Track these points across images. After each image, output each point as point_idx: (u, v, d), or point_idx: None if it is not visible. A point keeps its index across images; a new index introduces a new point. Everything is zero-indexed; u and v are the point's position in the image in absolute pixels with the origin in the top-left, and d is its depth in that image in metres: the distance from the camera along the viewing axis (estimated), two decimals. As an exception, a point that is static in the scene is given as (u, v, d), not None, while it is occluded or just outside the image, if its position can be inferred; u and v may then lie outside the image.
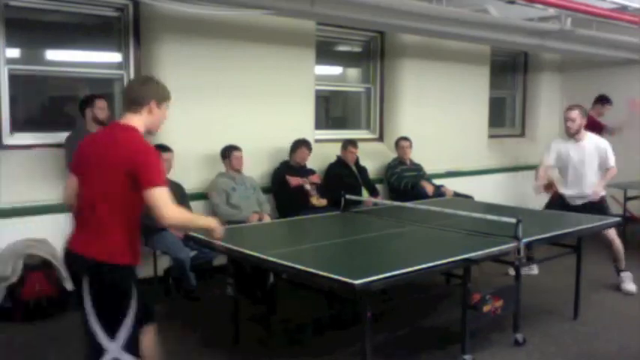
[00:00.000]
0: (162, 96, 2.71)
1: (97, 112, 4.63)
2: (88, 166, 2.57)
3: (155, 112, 2.66)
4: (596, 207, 5.09)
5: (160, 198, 2.48)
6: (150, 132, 2.73)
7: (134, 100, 2.62)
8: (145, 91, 2.65)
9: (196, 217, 2.90)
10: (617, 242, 5.14)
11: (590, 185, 5.15)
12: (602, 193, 5.24)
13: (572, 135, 5.15)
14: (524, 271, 5.23)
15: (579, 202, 5.22)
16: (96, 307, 2.50)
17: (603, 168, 5.15)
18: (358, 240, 3.95)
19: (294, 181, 5.69)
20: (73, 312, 4.53)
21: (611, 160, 5.13)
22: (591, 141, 5.19)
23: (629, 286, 5.14)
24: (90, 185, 2.55)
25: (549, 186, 5.45)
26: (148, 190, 2.44)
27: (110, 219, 2.52)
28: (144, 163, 2.47)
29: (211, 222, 2.82)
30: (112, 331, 2.49)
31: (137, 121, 2.61)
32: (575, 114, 5.08)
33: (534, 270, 5.61)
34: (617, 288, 5.18)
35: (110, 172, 2.49)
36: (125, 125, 2.60)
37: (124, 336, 2.50)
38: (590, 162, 5.14)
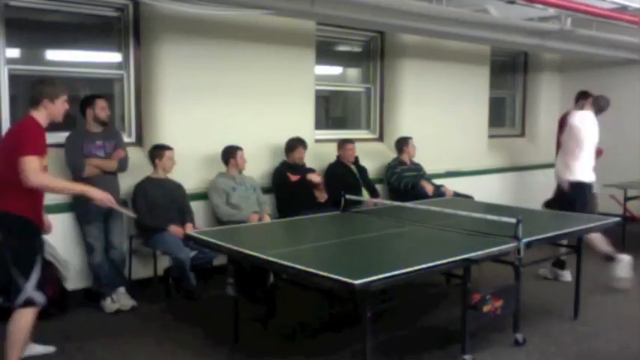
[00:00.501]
0: (53, 94, 3.40)
1: (98, 112, 4.63)
2: None
3: (50, 107, 3.39)
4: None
5: (28, 164, 3.15)
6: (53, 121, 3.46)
7: (31, 100, 3.39)
8: (37, 92, 3.39)
9: (67, 183, 3.69)
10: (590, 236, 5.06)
11: None
12: (570, 178, 5.24)
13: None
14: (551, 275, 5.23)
15: None
16: (13, 252, 3.29)
17: None
18: (358, 240, 3.95)
19: (294, 177, 5.69)
20: (73, 312, 4.54)
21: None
22: None
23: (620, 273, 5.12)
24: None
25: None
26: (20, 158, 3.14)
27: (12, 184, 3.22)
28: (23, 135, 3.25)
29: (87, 188, 3.45)
30: (26, 274, 3.26)
31: (36, 114, 3.37)
32: None
33: (567, 277, 5.33)
34: (609, 282, 5.12)
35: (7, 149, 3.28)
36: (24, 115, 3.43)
37: (35, 278, 3.29)
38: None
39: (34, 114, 3.39)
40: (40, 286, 3.31)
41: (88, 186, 3.49)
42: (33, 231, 3.39)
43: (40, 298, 3.31)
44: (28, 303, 3.27)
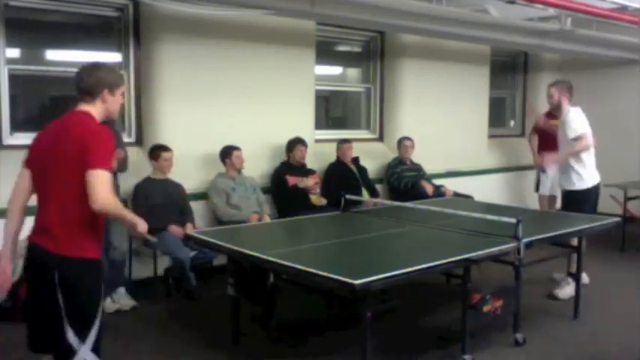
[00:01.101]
0: (113, 83, 2.60)
1: None
2: (43, 160, 2.51)
3: (109, 99, 2.59)
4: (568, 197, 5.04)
5: (100, 180, 2.36)
6: (108, 118, 2.67)
7: (86, 91, 2.56)
8: (95, 80, 2.56)
9: (125, 211, 2.61)
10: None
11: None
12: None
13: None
14: (567, 292, 5.07)
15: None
16: (67, 307, 2.43)
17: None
18: (358, 240, 3.95)
19: (291, 180, 5.69)
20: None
21: (571, 132, 4.87)
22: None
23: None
24: (47, 178, 2.49)
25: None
26: (90, 171, 2.34)
27: (74, 212, 2.44)
28: (91, 144, 2.40)
29: (136, 219, 2.59)
30: (83, 333, 2.46)
31: (91, 109, 2.57)
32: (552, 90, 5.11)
33: (584, 279, 5.00)
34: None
35: (65, 161, 2.42)
36: (78, 111, 2.55)
37: (93, 337, 2.49)
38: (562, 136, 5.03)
39: (90, 110, 2.55)
40: (97, 347, 2.51)
41: (137, 217, 2.63)
42: (101, 276, 2.57)
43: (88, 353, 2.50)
44: None
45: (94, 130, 2.47)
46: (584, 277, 5.11)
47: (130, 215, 2.60)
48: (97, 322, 2.49)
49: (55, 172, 2.45)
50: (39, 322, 2.54)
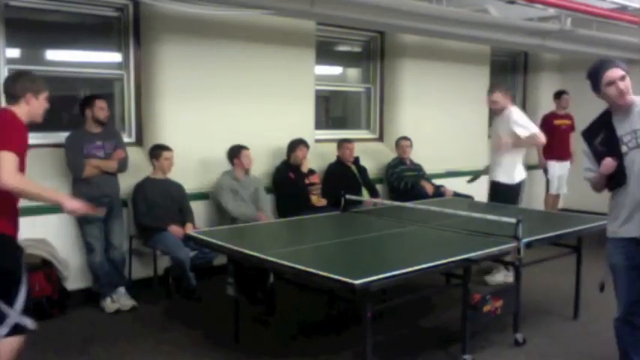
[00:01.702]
0: (37, 89, 2.97)
1: (97, 112, 4.63)
2: None
3: (32, 103, 2.95)
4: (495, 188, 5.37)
5: (4, 162, 2.64)
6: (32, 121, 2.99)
7: (10, 94, 2.94)
8: (20, 86, 2.94)
9: (43, 189, 2.92)
10: None
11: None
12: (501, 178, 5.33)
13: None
14: (499, 277, 5.24)
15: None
16: None
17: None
18: (358, 240, 3.95)
19: (293, 176, 5.69)
20: (73, 312, 4.54)
21: (518, 130, 5.19)
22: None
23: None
24: None
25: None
26: None
27: None
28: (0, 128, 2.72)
29: (61, 197, 2.97)
30: (9, 299, 2.74)
31: (16, 109, 2.90)
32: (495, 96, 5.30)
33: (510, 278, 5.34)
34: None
35: None
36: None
37: (22, 300, 2.77)
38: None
39: (13, 109, 2.92)
40: (28, 310, 2.82)
41: (63, 194, 3.03)
42: (14, 249, 2.85)
43: (30, 323, 2.81)
44: (16, 330, 2.79)
45: (4, 119, 2.82)
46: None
47: (52, 194, 2.98)
48: (22, 287, 2.78)
49: None
50: None
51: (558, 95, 7.64)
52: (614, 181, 3.02)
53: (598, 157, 3.04)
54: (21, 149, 2.77)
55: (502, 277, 5.16)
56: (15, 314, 2.75)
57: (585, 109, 5.15)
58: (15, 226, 2.86)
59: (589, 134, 3.13)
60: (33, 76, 3.07)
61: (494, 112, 5.46)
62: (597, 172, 3.05)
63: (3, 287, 2.74)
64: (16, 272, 2.79)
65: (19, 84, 2.94)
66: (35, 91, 2.95)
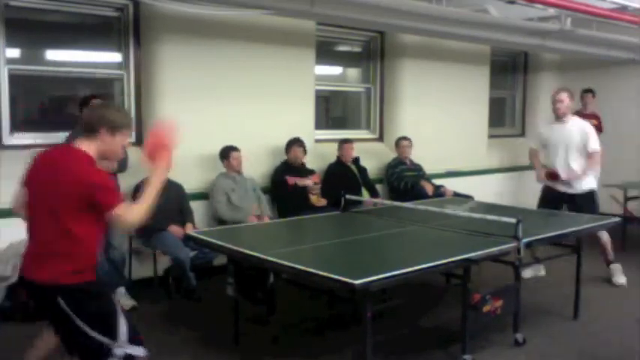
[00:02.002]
0: (115, 124, 2.70)
1: None
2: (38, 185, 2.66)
3: (107, 140, 2.68)
4: (584, 199, 5.10)
5: (124, 217, 2.59)
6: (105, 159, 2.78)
7: (86, 126, 2.71)
8: (95, 117, 2.70)
9: (149, 195, 2.75)
10: (605, 235, 5.18)
11: (575, 169, 5.13)
12: (590, 185, 5.17)
13: (559, 117, 5.17)
14: (528, 273, 5.25)
15: (568, 190, 5.17)
16: (88, 324, 2.57)
17: (585, 151, 5.09)
18: (358, 240, 3.95)
19: (290, 180, 5.69)
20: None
21: (593, 144, 5.05)
22: (575, 123, 5.18)
23: (620, 278, 5.22)
24: (43, 206, 2.60)
25: (552, 175, 5.23)
26: (109, 213, 2.54)
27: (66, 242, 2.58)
28: (99, 187, 2.55)
29: (157, 177, 2.86)
30: (111, 334, 2.61)
31: (88, 146, 2.67)
32: (563, 96, 5.10)
33: (542, 271, 5.49)
34: (609, 281, 5.22)
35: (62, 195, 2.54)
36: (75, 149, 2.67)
37: (124, 331, 2.63)
38: (573, 144, 5.10)
39: (83, 146, 2.67)
40: (136, 339, 2.69)
41: (154, 174, 2.90)
42: (100, 291, 2.73)
43: (141, 351, 2.70)
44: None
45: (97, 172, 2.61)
46: (542, 269, 5.46)
47: (155, 189, 2.79)
48: (119, 318, 2.63)
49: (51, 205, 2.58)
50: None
51: (585, 93, 7.43)
52: None
53: None
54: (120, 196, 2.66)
55: (532, 272, 5.19)
56: (121, 346, 2.62)
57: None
58: (95, 269, 2.72)
59: None
60: (116, 108, 2.91)
61: (559, 116, 5.16)
62: None
63: (102, 326, 2.60)
64: (108, 310, 2.66)
65: (95, 114, 2.73)
66: (114, 128, 2.71)
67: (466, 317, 3.47)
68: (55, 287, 2.54)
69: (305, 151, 5.82)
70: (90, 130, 2.67)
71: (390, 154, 6.81)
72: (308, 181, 5.77)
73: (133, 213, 2.61)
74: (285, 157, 5.84)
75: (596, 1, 6.21)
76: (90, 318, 2.56)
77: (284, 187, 5.67)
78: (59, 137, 4.77)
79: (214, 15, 5.10)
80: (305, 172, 5.85)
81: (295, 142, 5.77)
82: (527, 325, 4.09)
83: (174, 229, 4.79)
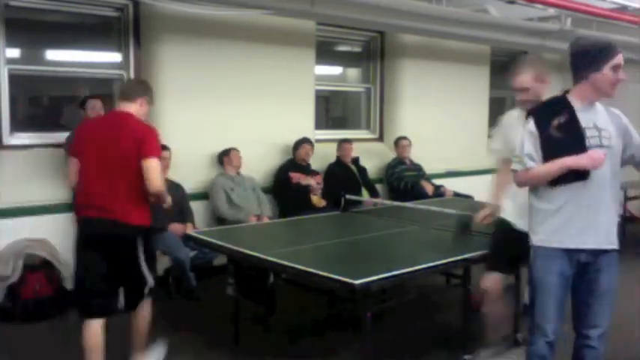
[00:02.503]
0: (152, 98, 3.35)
1: (89, 112, 4.64)
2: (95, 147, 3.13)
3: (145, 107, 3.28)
4: None
5: (156, 168, 3.04)
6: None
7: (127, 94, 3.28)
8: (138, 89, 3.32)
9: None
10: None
11: None
12: None
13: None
14: None
15: None
16: (146, 256, 3.19)
17: None
18: (358, 240, 3.95)
19: (294, 177, 5.69)
20: (73, 312, 4.53)
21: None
22: None
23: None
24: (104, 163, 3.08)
25: None
26: (146, 160, 3.01)
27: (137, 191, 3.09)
28: (141, 135, 3.08)
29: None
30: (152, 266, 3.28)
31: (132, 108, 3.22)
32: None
33: None
34: None
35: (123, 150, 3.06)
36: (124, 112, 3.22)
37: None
38: None
39: (131, 109, 3.20)
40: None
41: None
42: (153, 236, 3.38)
43: (152, 281, 3.30)
44: (151, 292, 3.29)
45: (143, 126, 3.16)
46: None
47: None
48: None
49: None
50: (102, 282, 3.12)
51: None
52: (571, 175, 2.58)
53: (549, 145, 2.59)
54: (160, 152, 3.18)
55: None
56: (152, 280, 3.25)
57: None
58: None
59: (543, 115, 2.65)
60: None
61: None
62: (541, 162, 2.61)
63: (150, 262, 3.23)
64: (154, 251, 3.37)
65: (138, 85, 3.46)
66: (151, 98, 3.34)
67: (466, 317, 3.47)
68: (139, 228, 3.11)
69: (312, 151, 5.84)
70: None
71: (390, 154, 6.81)
72: (311, 181, 5.78)
73: (159, 178, 3.06)
74: (285, 158, 5.84)
75: (596, 1, 6.21)
76: (147, 256, 3.18)
77: (287, 184, 5.68)
78: (59, 137, 4.78)
79: (214, 15, 5.10)
80: (309, 171, 5.86)
81: (305, 141, 5.80)
82: (527, 325, 4.07)
83: (175, 227, 4.79)
